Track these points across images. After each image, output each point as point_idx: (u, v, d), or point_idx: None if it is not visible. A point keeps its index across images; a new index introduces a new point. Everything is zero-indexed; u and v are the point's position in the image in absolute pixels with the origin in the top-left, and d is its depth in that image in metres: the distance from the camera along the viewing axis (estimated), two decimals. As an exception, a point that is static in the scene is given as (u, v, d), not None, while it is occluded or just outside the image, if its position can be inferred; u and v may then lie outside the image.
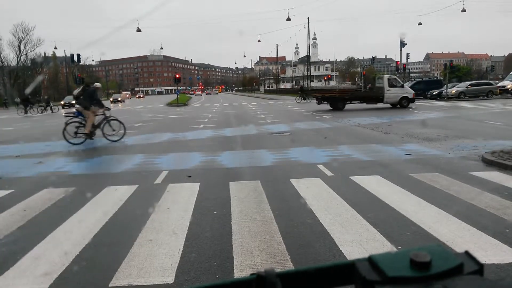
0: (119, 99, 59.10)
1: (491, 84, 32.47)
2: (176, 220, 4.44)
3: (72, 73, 45.82)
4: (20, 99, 34.29)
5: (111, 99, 54.64)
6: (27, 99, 32.05)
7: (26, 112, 30.67)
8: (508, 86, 31.04)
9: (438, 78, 48.70)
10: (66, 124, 11.43)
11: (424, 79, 45.25)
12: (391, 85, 22.81)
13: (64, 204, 5.36)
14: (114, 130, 11.81)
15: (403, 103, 22.68)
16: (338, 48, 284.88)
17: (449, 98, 28.80)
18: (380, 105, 23.27)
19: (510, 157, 6.85)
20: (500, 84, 32.54)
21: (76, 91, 12.43)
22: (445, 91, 29.68)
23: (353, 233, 3.87)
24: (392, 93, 22.72)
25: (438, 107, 22.77)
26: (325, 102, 23.90)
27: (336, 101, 23.23)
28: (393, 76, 25.53)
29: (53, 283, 3.08)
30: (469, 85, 31.18)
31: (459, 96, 29.47)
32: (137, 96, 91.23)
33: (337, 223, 4.17)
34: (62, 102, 40.44)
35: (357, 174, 6.41)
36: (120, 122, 12.05)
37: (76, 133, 11.38)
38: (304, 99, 34.83)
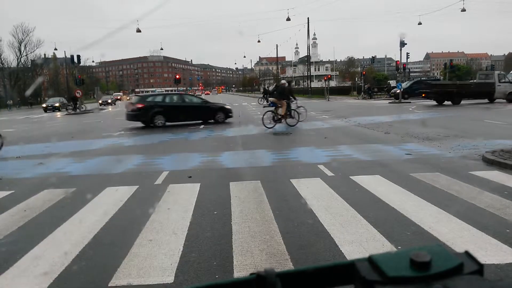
0: (109, 101, 48.56)
1: (493, 83, 32.44)
2: (176, 220, 4.44)
3: (72, 74, 45.64)
4: (69, 97, 37.60)
5: (100, 101, 45.57)
6: (75, 98, 34.24)
7: (75, 110, 32.86)
8: None
9: (437, 77, 48.70)
10: (265, 113, 14.33)
11: (422, 78, 45.25)
12: (500, 80, 23.29)
13: (64, 205, 5.36)
14: (294, 117, 14.60)
15: (510, 98, 23.16)
16: (338, 48, 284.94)
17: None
18: (380, 104, 23.27)
19: (511, 157, 6.84)
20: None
21: (271, 88, 17.62)
22: None
23: (353, 233, 3.87)
24: (502, 89, 23.28)
25: (438, 106, 22.77)
26: (431, 99, 24.23)
27: (454, 96, 23.45)
28: (502, 72, 26.11)
29: (52, 283, 3.08)
30: None
31: None
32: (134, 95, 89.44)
33: (337, 223, 4.17)
34: (100, 101, 44.62)
35: (357, 174, 6.41)
36: (305, 109, 15.44)
37: (273, 118, 14.22)
38: (267, 101, 35.78)
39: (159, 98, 16.99)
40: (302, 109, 15.04)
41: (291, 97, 14.77)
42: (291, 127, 14.02)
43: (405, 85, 31.24)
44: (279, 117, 14.23)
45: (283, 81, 16.74)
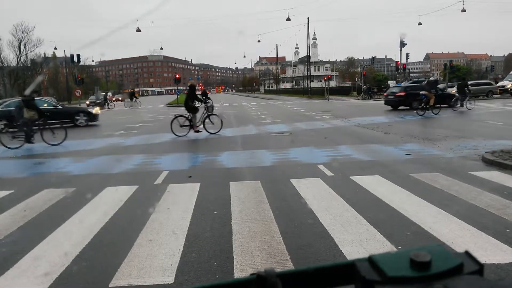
0: (99, 101, 39.27)
1: (491, 84, 32.49)
2: (176, 220, 4.44)
3: (72, 73, 45.45)
4: (129, 94, 40.62)
5: (88, 102, 39.00)
6: (133, 93, 37.21)
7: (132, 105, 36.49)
8: (508, 86, 31.02)
9: (436, 78, 48.69)
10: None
11: (419, 79, 45.09)
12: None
13: (64, 205, 5.36)
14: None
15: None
16: (338, 48, 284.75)
17: None
18: (380, 104, 23.26)
19: (510, 157, 6.85)
20: (500, 84, 32.52)
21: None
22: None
23: (353, 233, 3.87)
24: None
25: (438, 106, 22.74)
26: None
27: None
28: (433, 79, 26.66)
29: (53, 283, 3.08)
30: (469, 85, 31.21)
31: None
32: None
33: (337, 223, 4.17)
34: (87, 102, 40.81)
35: (357, 174, 6.41)
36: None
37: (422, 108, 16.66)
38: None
39: None
40: None
41: (436, 90, 16.97)
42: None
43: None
44: (427, 106, 16.58)
45: (432, 78, 19.42)
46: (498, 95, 30.00)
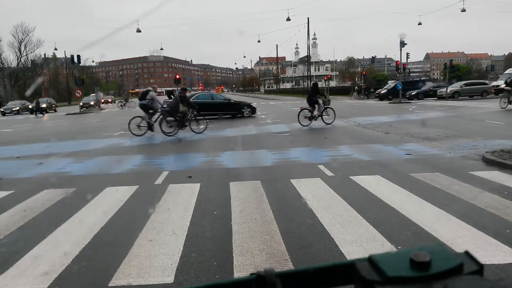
0: (92, 103, 38.27)
1: (485, 83, 32.27)
2: (176, 220, 4.44)
3: (72, 74, 45.21)
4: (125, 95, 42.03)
5: (81, 104, 35.39)
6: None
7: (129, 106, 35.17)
8: (502, 86, 30.78)
9: (421, 78, 48.83)
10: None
11: (407, 79, 44.61)
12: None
13: (64, 205, 5.36)
14: None
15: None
16: (338, 48, 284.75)
17: (442, 97, 28.93)
18: (379, 104, 23.29)
19: (511, 157, 6.84)
20: (494, 83, 32.21)
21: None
22: (442, 91, 29.80)
23: (353, 233, 3.87)
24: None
25: (437, 107, 22.77)
26: None
27: None
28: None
29: (53, 283, 3.08)
30: (463, 84, 31.18)
31: (453, 96, 29.50)
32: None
33: (337, 223, 4.17)
34: (81, 103, 36.88)
35: (357, 174, 6.41)
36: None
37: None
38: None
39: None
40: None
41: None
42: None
43: (389, 86, 31.35)
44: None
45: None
46: (493, 95, 29.88)
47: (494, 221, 4.09)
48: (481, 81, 35.08)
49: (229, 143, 11.01)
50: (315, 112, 14.61)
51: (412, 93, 31.75)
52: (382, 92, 33.59)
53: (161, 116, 13.19)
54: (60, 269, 3.31)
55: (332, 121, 14.75)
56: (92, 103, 38.72)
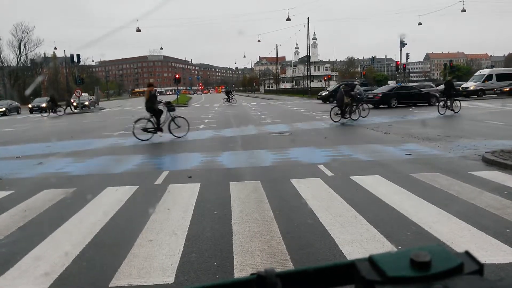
0: (86, 103, 35.59)
1: (431, 86, 31.52)
2: (177, 221, 4.44)
3: (72, 73, 45.11)
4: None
5: (74, 104, 33.63)
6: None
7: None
8: (471, 88, 30.50)
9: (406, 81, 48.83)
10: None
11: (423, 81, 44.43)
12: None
13: (64, 205, 5.36)
14: None
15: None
16: (338, 48, 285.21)
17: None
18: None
19: (511, 157, 6.84)
20: (464, 85, 31.72)
21: None
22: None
23: (353, 233, 3.87)
24: None
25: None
26: None
27: None
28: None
29: (53, 283, 3.08)
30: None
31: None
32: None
33: (337, 223, 4.17)
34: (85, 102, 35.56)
35: (357, 174, 6.41)
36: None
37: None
38: (229, 100, 38.20)
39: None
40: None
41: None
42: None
43: (381, 89, 30.51)
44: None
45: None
46: (494, 96, 29.70)
47: (494, 221, 4.09)
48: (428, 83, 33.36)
49: (228, 143, 11.02)
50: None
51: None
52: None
53: (170, 118, 12.40)
54: (60, 269, 3.31)
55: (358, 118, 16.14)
56: (86, 103, 36.36)
